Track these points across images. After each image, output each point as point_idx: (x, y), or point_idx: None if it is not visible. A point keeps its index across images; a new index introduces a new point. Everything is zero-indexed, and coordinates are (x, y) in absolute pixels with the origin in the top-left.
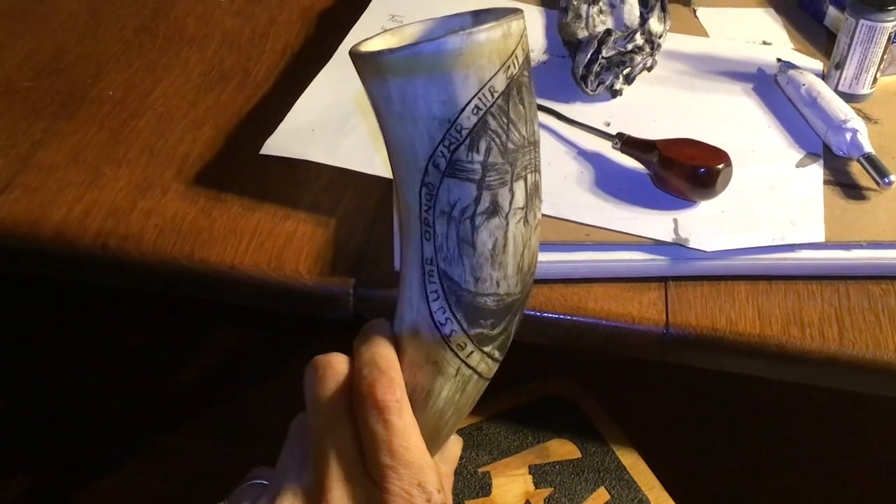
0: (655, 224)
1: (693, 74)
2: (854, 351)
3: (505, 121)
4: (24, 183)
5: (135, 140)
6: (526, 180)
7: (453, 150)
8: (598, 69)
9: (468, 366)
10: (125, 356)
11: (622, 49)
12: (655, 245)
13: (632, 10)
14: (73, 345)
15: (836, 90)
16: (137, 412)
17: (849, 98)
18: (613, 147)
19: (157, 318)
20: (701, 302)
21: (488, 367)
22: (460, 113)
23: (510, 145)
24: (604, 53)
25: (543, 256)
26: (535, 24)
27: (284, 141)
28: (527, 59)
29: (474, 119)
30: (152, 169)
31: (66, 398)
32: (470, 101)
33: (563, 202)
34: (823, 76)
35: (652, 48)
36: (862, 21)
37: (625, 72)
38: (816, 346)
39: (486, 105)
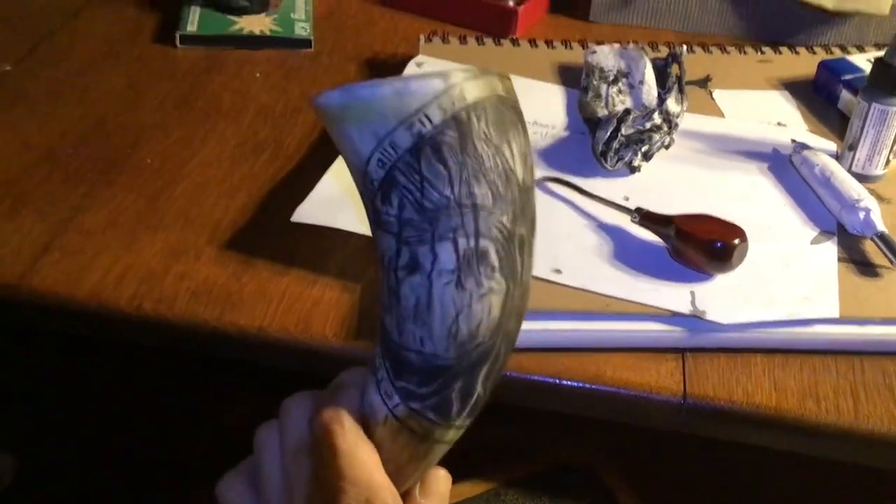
0: (673, 296)
1: (709, 153)
2: (869, 425)
3: (417, 178)
4: (64, 245)
5: (171, 207)
6: (456, 244)
7: (371, 200)
8: (618, 146)
9: (395, 416)
10: (143, 417)
11: (641, 127)
12: (673, 317)
13: (650, 91)
14: (92, 404)
15: (849, 171)
16: (154, 473)
17: (862, 179)
18: (632, 221)
19: (176, 380)
20: (718, 373)
21: (422, 427)
22: (367, 164)
23: (427, 204)
24: (623, 131)
25: (564, 325)
26: (556, 102)
27: (314, 209)
28: (456, 119)
29: (381, 172)
30: (186, 234)
31: (84, 457)
32: (372, 155)
33: (582, 273)
34: (837, 157)
35: (670, 127)
36: (874, 105)
37: (643, 149)
38: (832, 419)
39: (389, 160)
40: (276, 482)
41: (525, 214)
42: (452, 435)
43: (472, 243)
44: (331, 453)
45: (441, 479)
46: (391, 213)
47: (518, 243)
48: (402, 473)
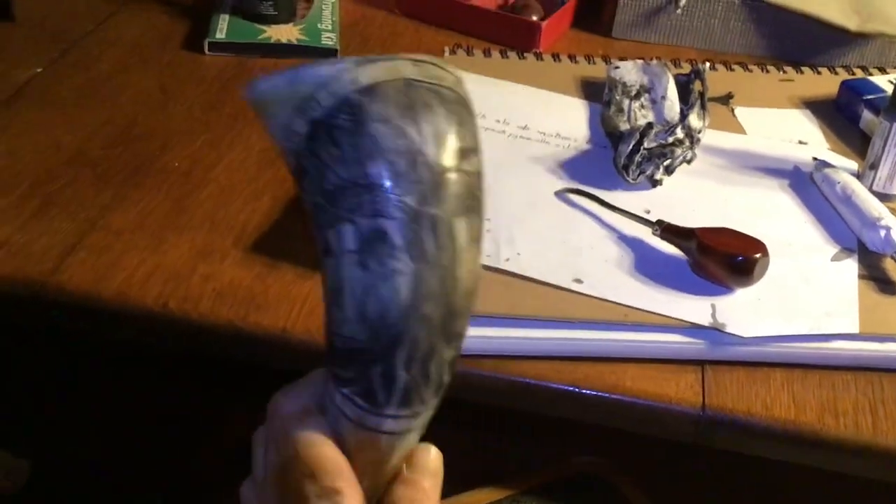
0: (693, 308)
1: (731, 169)
2: (887, 441)
3: (317, 162)
4: (92, 244)
5: (197, 209)
6: (356, 224)
7: (296, 188)
8: (640, 160)
9: (331, 399)
10: (157, 423)
11: (663, 141)
12: (693, 328)
13: (672, 107)
14: (106, 409)
15: (870, 189)
16: (167, 479)
17: (883, 197)
18: (653, 233)
19: (191, 386)
20: (737, 386)
21: (356, 414)
22: (284, 154)
23: (327, 186)
24: (645, 145)
25: (584, 334)
26: (578, 115)
27: None
28: (348, 102)
29: (293, 160)
30: (212, 236)
31: (96, 461)
32: (284, 144)
33: (603, 283)
34: (858, 176)
35: (691, 142)
36: None
37: (665, 163)
38: (850, 434)
39: (294, 147)
40: (260, 478)
41: (440, 196)
42: (391, 426)
43: (369, 223)
44: (283, 436)
45: (430, 453)
46: (307, 200)
47: (429, 224)
48: (355, 465)
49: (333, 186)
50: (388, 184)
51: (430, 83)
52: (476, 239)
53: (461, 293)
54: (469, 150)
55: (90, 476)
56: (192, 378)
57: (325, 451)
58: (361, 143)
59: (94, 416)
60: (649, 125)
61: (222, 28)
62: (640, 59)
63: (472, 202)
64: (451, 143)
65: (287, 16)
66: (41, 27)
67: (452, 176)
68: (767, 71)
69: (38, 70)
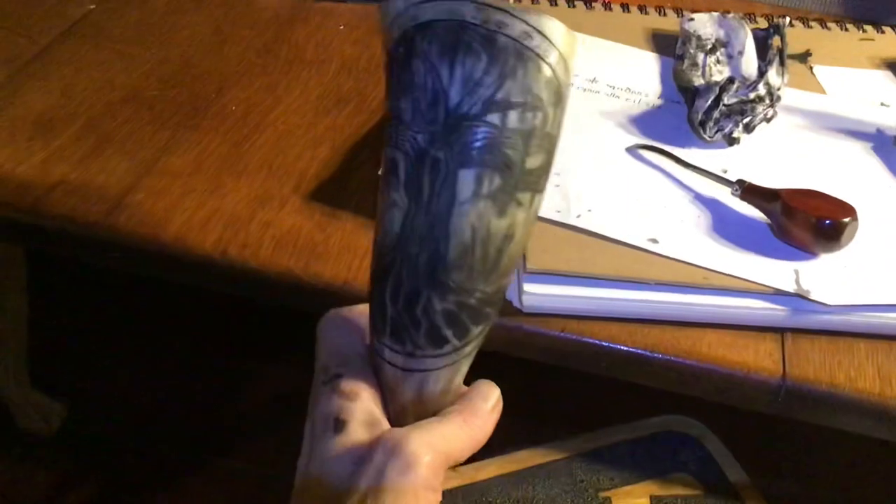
0: (776, 273)
1: (811, 129)
2: None
3: (387, 87)
4: (149, 186)
5: (255, 154)
6: (385, 151)
7: None
8: (718, 116)
9: None
10: (194, 372)
11: (744, 97)
12: (775, 294)
13: (749, 62)
14: (144, 355)
15: None
16: (198, 430)
17: None
18: (733, 194)
19: (230, 340)
20: (819, 356)
21: (370, 332)
22: None
23: (387, 111)
24: (725, 101)
25: (659, 296)
26: (649, 69)
27: None
28: (404, 36)
29: None
30: (271, 183)
31: (130, 407)
32: None
33: (680, 244)
34: None
35: (772, 100)
36: None
37: (745, 121)
38: None
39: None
40: None
41: (451, 141)
42: (389, 356)
43: (389, 153)
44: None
45: (486, 385)
46: None
47: (430, 166)
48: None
49: (388, 112)
50: (408, 118)
51: (486, 28)
52: (491, 197)
53: (455, 246)
54: (508, 105)
55: (126, 419)
56: (234, 326)
57: (344, 341)
58: (403, 77)
59: (131, 360)
60: (730, 80)
61: None
62: (715, 11)
63: (494, 158)
64: (482, 92)
65: None
66: None
67: (471, 125)
68: (846, 29)
69: (92, 7)
